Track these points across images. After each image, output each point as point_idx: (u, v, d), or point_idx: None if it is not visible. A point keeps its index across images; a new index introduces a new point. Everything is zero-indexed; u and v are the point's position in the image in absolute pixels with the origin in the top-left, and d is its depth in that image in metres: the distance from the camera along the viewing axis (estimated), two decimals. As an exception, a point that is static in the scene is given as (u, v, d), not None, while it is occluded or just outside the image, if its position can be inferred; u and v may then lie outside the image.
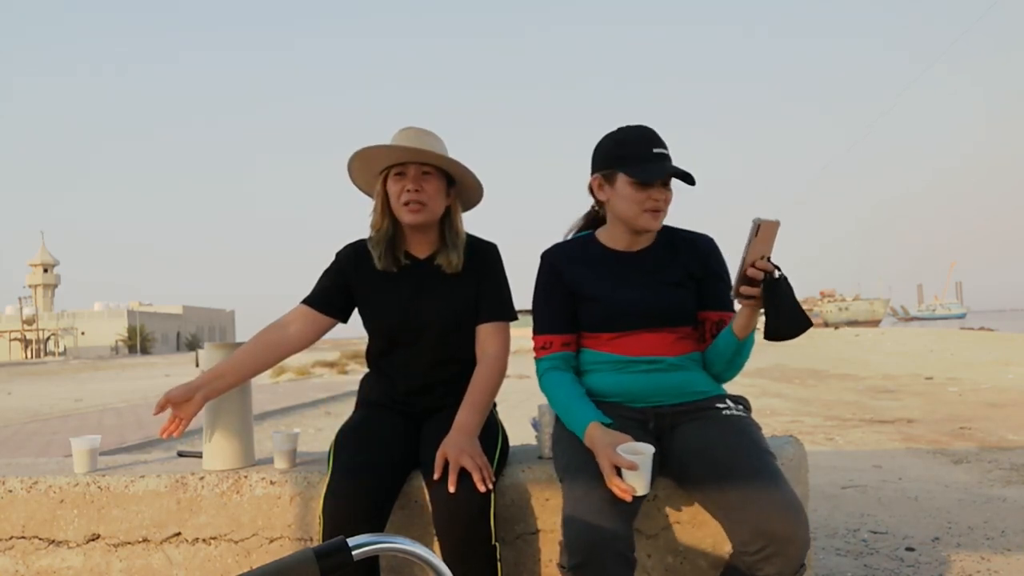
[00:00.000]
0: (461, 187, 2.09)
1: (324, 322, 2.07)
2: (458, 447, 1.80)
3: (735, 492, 1.61)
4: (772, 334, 1.65)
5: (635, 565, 1.59)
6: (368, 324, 2.10)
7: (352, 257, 2.08)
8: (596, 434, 1.70)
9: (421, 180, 1.97)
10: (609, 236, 1.95)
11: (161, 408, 1.90)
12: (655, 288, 1.88)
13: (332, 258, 2.13)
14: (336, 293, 2.08)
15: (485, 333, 2.06)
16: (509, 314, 2.09)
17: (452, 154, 2.03)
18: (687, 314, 1.89)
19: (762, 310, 1.70)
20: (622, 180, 1.81)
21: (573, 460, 1.75)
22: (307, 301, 2.08)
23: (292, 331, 2.04)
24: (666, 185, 1.82)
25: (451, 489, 1.73)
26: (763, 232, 1.60)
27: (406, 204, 1.97)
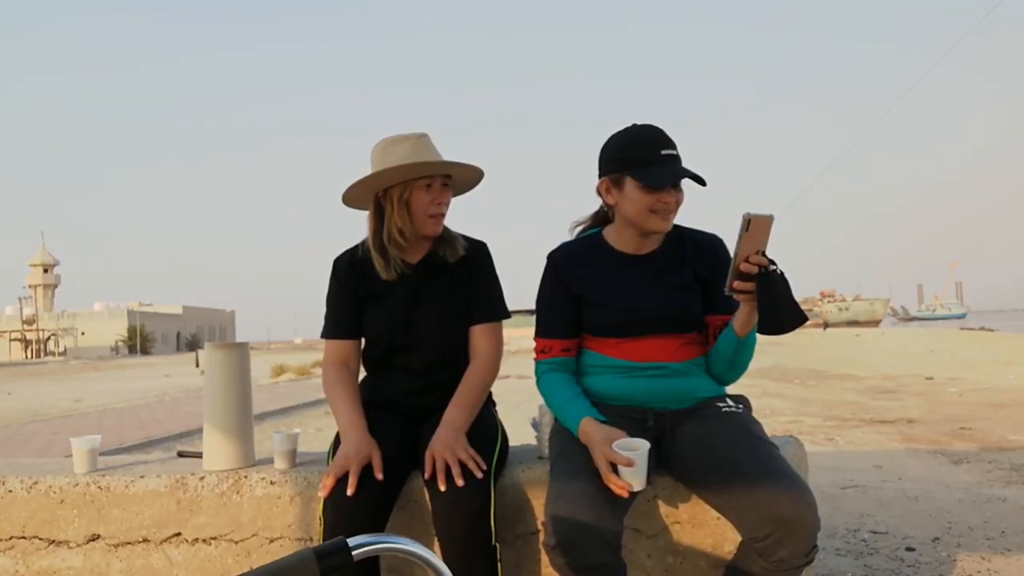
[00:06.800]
0: (457, 183, 2.10)
1: (359, 343, 2.13)
2: (443, 444, 1.82)
3: (740, 482, 1.61)
4: (765, 328, 1.65)
5: (620, 549, 1.59)
6: (368, 331, 2.10)
7: (350, 270, 2.08)
8: (590, 429, 1.71)
9: (444, 191, 2.01)
10: (617, 237, 1.93)
11: (342, 472, 1.78)
12: (662, 293, 1.87)
13: (330, 262, 2.12)
14: (357, 314, 2.09)
15: (477, 334, 2.06)
16: (501, 313, 2.10)
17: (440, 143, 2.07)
18: (694, 320, 1.88)
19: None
20: (630, 184, 1.79)
21: (563, 450, 1.77)
22: (342, 335, 2.08)
23: (354, 366, 2.10)
24: (676, 187, 1.80)
25: (441, 488, 1.74)
26: (754, 227, 1.60)
27: (432, 216, 1.99)
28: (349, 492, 1.73)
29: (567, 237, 2.05)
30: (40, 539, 2.07)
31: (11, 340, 75.36)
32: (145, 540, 2.04)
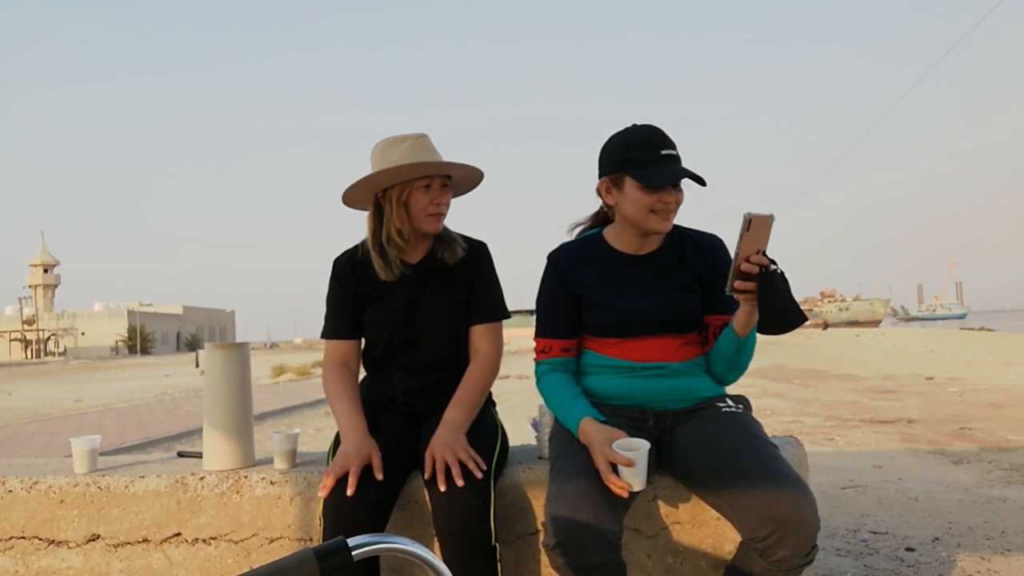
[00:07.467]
0: (457, 183, 2.10)
1: (360, 343, 2.13)
2: (443, 444, 1.82)
3: (740, 482, 1.61)
4: (765, 328, 1.65)
5: (619, 549, 1.60)
6: (368, 331, 2.10)
7: (350, 271, 2.08)
8: (590, 429, 1.71)
9: (443, 192, 2.01)
10: (617, 237, 1.93)
11: (342, 472, 1.78)
12: (662, 294, 1.87)
13: (331, 262, 2.13)
14: (357, 314, 2.09)
15: (477, 334, 2.06)
16: (501, 313, 2.10)
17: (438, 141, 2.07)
18: (694, 320, 1.88)
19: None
20: (630, 184, 1.79)
21: (563, 451, 1.77)
22: (341, 335, 2.08)
23: (354, 366, 2.10)
24: (676, 187, 1.80)
25: (441, 488, 1.74)
26: (755, 227, 1.60)
27: (431, 215, 1.99)
28: (349, 492, 1.73)
29: (567, 238, 2.05)
30: (40, 539, 2.07)
31: (11, 340, 75.37)
32: (145, 540, 2.04)
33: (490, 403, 2.12)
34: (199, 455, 2.25)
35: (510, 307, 2.15)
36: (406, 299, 2.05)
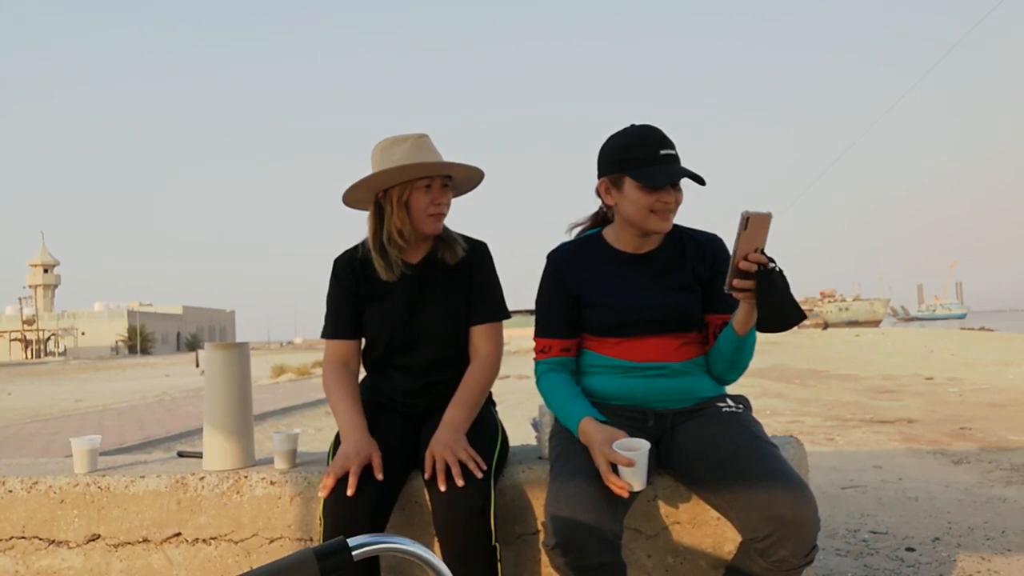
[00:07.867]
0: (458, 183, 2.10)
1: (360, 343, 2.13)
2: (443, 444, 1.82)
3: (740, 482, 1.62)
4: (763, 326, 1.65)
5: (619, 549, 1.60)
6: (368, 331, 2.10)
7: (350, 271, 2.09)
8: (590, 429, 1.71)
9: (443, 192, 2.01)
10: (617, 237, 1.93)
11: (342, 472, 1.78)
12: (662, 293, 1.87)
13: (330, 263, 2.13)
14: (357, 314, 2.09)
15: (478, 334, 2.06)
16: (502, 313, 2.10)
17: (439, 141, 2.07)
18: (694, 320, 1.88)
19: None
20: (630, 184, 1.79)
21: (563, 451, 1.77)
22: (342, 335, 2.08)
23: (354, 366, 2.10)
24: (675, 187, 1.80)
25: (441, 488, 1.74)
26: (753, 225, 1.60)
27: (431, 215, 1.99)
28: (349, 492, 1.73)
29: (567, 238, 2.05)
30: (40, 539, 2.07)
31: (11, 340, 75.40)
32: (145, 540, 2.04)
33: (490, 403, 2.12)
34: (199, 455, 2.25)
35: (510, 307, 2.15)
36: (406, 299, 2.05)
